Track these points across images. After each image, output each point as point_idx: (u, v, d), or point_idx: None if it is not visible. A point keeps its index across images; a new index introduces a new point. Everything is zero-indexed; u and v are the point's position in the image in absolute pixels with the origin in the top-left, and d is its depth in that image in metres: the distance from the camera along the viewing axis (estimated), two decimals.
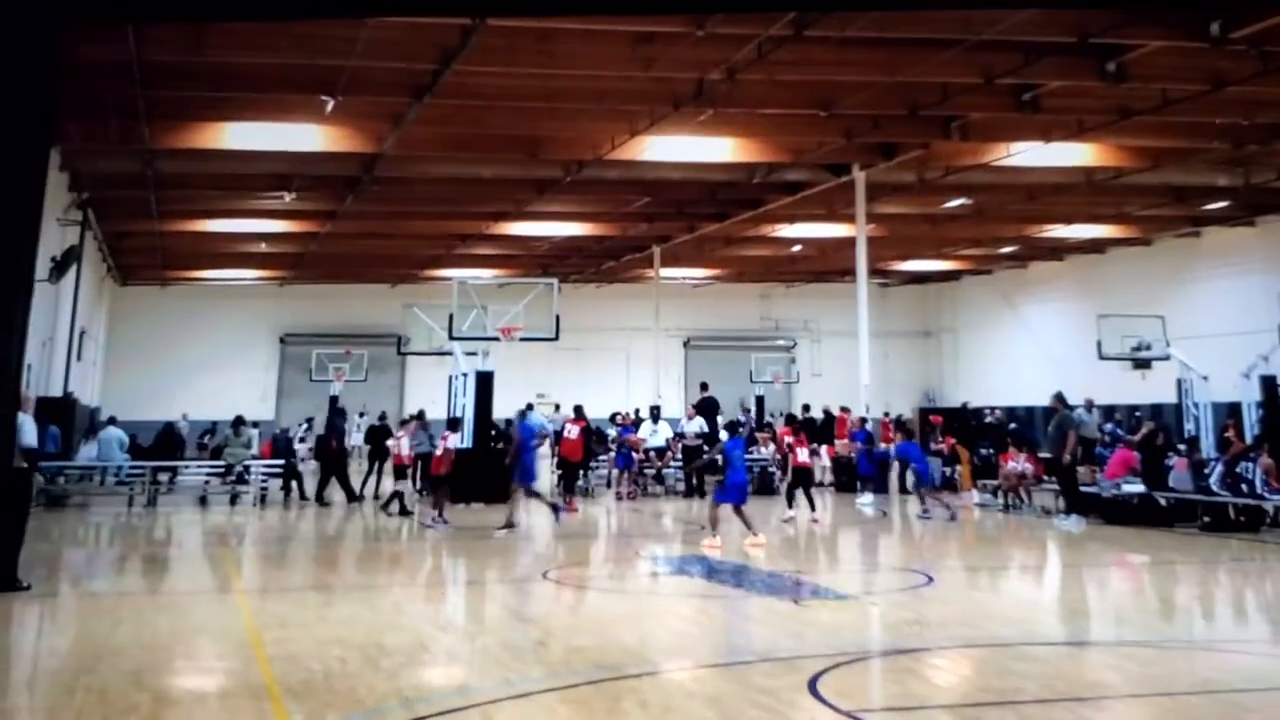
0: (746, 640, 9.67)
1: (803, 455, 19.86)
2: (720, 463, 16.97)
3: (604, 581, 13.92)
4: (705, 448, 23.19)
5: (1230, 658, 9.22)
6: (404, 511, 20.05)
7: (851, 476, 25.29)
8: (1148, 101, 19.43)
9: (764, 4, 14.51)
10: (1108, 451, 21.29)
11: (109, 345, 39.52)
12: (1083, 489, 19.36)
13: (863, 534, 19.44)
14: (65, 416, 24.48)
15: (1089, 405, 24.87)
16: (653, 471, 25.53)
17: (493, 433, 24.74)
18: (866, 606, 11.50)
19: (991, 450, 24.50)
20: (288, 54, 17.03)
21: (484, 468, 22.70)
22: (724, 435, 18.45)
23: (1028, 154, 23.05)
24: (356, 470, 25.25)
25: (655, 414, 27.21)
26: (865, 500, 23.08)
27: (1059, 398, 20.03)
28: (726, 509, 15.77)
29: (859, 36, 16.19)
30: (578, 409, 23.86)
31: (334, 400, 36.28)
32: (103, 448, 23.13)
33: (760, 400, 38.73)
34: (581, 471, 24.01)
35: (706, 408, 27.28)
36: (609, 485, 25.82)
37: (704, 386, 29.57)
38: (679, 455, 25.38)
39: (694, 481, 24.56)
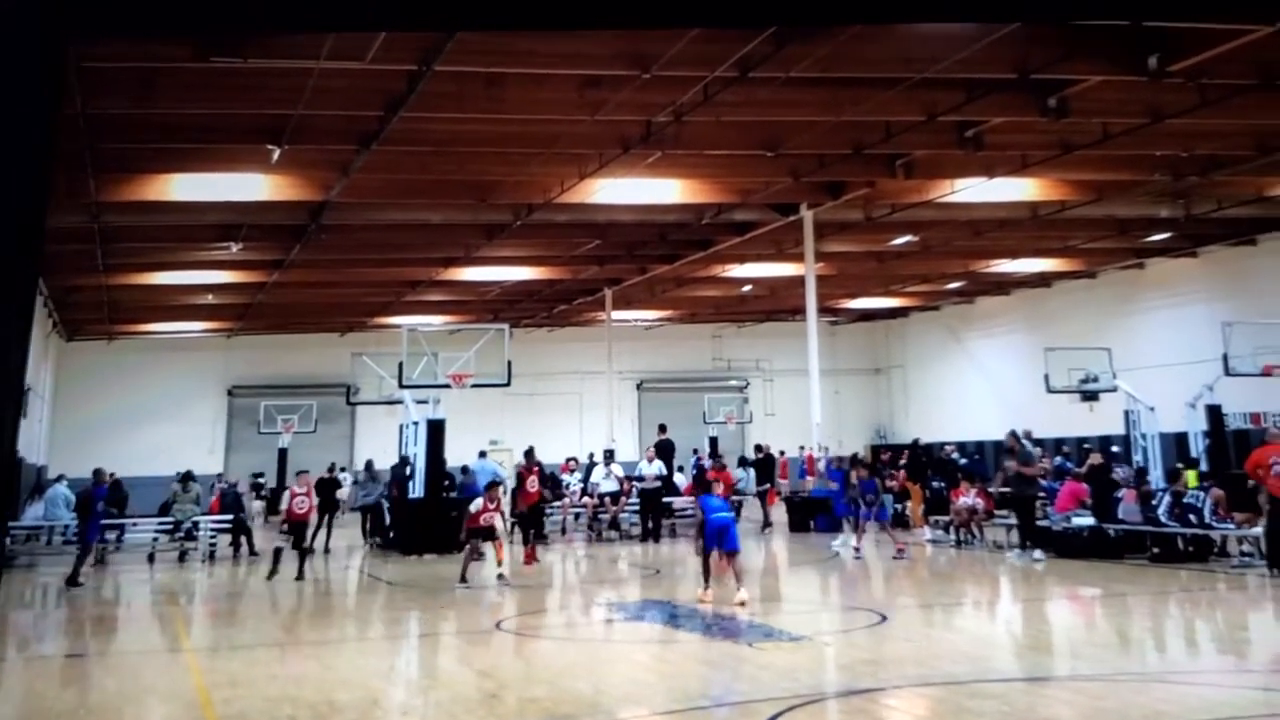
0: (702, 685, 9.63)
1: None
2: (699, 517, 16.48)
3: (558, 630, 13.85)
4: (664, 490, 23.05)
5: (1181, 689, 9.28)
6: (289, 567, 18.75)
7: (805, 516, 25.23)
8: (1089, 135, 19.65)
9: (751, 20, 14.48)
10: (1057, 485, 21.39)
11: (55, 401, 39.01)
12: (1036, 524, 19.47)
13: (816, 573, 19.42)
14: (10, 475, 24.07)
15: (1027, 435, 25.04)
16: (607, 516, 25.43)
17: (446, 482, 24.56)
18: (820, 647, 11.47)
19: (944, 485, 24.51)
20: (233, 104, 16.94)
21: (437, 518, 22.57)
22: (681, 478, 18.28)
23: (972, 190, 23.26)
24: None
25: (609, 457, 27.14)
26: (841, 541, 21.62)
27: (1015, 435, 20.17)
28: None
29: (803, 77, 16.27)
30: (529, 454, 23.67)
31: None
32: (49, 506, 22.81)
33: (714, 441, 38.77)
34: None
35: (664, 450, 27.25)
36: (563, 532, 25.69)
37: (662, 428, 29.59)
38: (633, 498, 25.30)
39: (649, 525, 24.50)
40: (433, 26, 11.23)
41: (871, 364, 47.95)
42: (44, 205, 3.86)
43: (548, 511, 24.78)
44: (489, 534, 17.28)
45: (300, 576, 18.32)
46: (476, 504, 17.57)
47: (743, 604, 13.95)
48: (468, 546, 17.51)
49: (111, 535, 22.86)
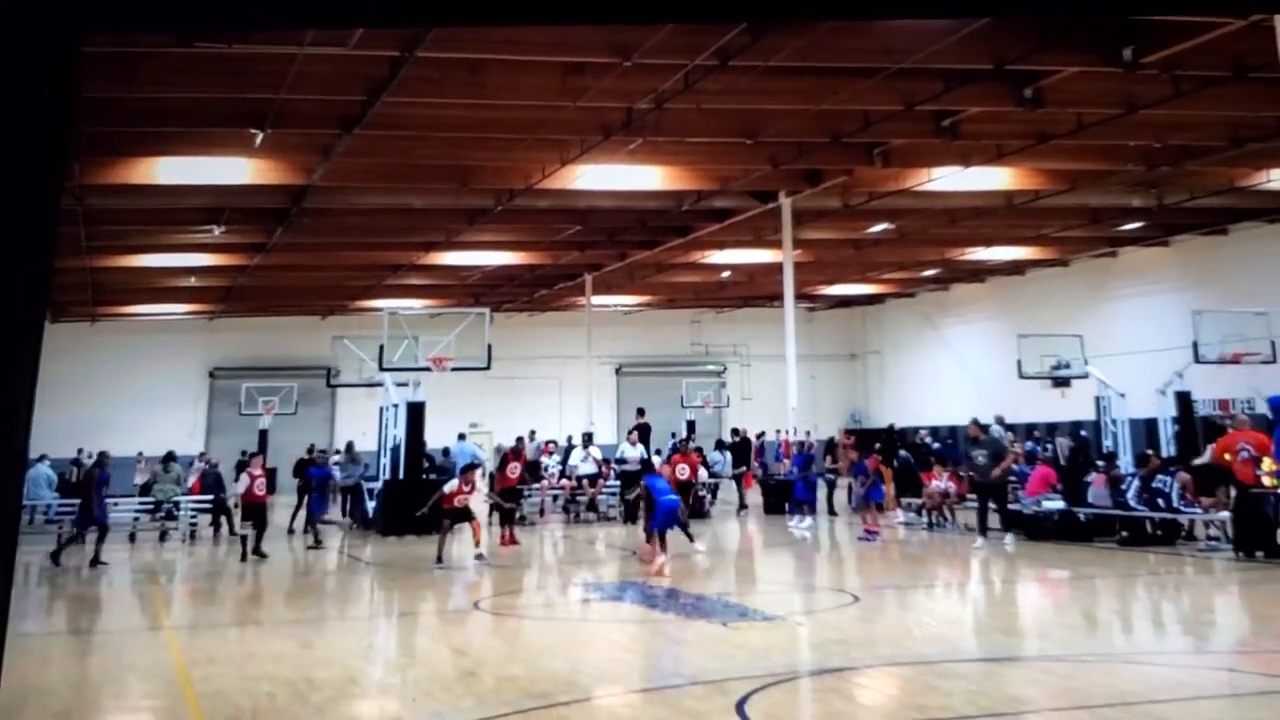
0: (676, 664, 9.83)
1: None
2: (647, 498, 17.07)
3: (536, 610, 14.02)
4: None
5: (1148, 670, 9.48)
6: (257, 552, 18.77)
7: (780, 499, 25.47)
8: (1064, 126, 19.85)
9: (728, 15, 14.62)
10: (1027, 469, 21.66)
11: (39, 382, 38.86)
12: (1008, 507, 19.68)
13: (790, 555, 19.64)
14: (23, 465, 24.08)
15: (1000, 421, 25.29)
16: (585, 499, 25.59)
17: (426, 464, 24.68)
18: (794, 627, 11.69)
19: (915, 466, 24.83)
20: (217, 88, 16.98)
21: (416, 499, 22.68)
22: (659, 460, 18.63)
23: (948, 179, 23.46)
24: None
25: (587, 440, 27.30)
26: (801, 524, 22.84)
27: (977, 424, 20.05)
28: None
29: (782, 66, 16.42)
30: (519, 442, 23.91)
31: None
32: (31, 486, 22.83)
33: (691, 425, 38.93)
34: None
35: (642, 433, 27.42)
36: (541, 513, 25.83)
37: (640, 412, 29.77)
38: (614, 480, 25.48)
39: (628, 507, 24.70)
40: (412, 22, 11.33)
41: (848, 349, 48.18)
42: (57, 205, 4.01)
43: (525, 493, 24.86)
44: (464, 515, 17.45)
45: (263, 555, 18.62)
46: (451, 485, 17.77)
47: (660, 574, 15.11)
48: (443, 525, 17.70)
49: None
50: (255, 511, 18.97)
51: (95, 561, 18.25)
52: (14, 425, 3.86)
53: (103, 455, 20.86)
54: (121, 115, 18.12)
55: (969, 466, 20.06)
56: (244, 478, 19.69)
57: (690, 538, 17.46)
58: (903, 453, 26.14)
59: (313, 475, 23.23)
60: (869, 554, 18.53)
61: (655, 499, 16.19)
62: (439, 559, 17.03)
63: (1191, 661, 10.01)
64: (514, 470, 22.31)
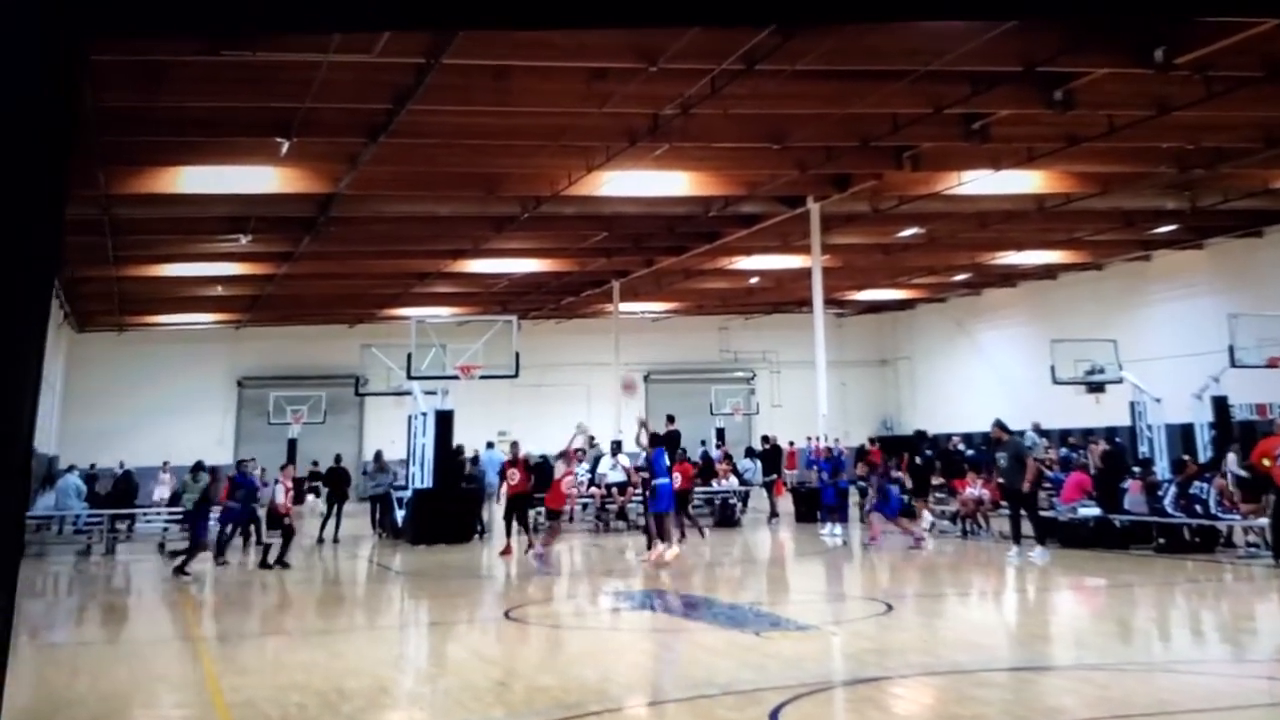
0: (708, 674, 9.69)
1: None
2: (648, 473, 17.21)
3: (566, 619, 13.91)
4: None
5: (1186, 679, 9.32)
6: (281, 563, 18.93)
7: (811, 507, 25.30)
8: (1095, 128, 19.66)
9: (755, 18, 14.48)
10: (1061, 475, 21.44)
11: (66, 392, 39.11)
12: (1040, 514, 19.42)
13: (822, 563, 19.49)
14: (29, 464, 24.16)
15: (1036, 428, 25.04)
16: (615, 507, 25.49)
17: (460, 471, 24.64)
18: (827, 636, 11.55)
19: (925, 469, 24.73)
20: (242, 97, 17.00)
21: (446, 508, 22.66)
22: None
23: (978, 182, 23.27)
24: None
25: (616, 448, 27.17)
26: (829, 530, 22.80)
27: (1001, 426, 19.08)
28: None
29: (809, 69, 16.30)
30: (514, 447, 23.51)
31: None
32: (60, 496, 22.93)
33: (721, 432, 38.79)
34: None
35: (673, 440, 27.16)
36: (570, 521, 25.69)
37: (670, 419, 29.51)
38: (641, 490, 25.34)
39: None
40: (435, 25, 11.27)
41: (878, 355, 47.93)
42: (62, 211, 3.92)
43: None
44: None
45: (287, 565, 18.75)
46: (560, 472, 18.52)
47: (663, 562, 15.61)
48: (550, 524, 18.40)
49: (123, 524, 23.00)
50: (282, 521, 19.01)
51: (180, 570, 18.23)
52: (18, 427, 3.78)
53: (213, 470, 21.00)
54: (147, 124, 18.17)
55: (996, 471, 19.80)
56: (278, 487, 19.66)
57: (700, 531, 17.53)
58: (917, 460, 26.09)
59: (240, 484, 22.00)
60: (902, 562, 18.37)
61: (655, 477, 16.29)
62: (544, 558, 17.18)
63: (1231, 670, 9.87)
64: (513, 477, 21.90)
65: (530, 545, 20.25)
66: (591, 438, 28.54)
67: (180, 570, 17.96)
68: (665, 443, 20.13)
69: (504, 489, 21.56)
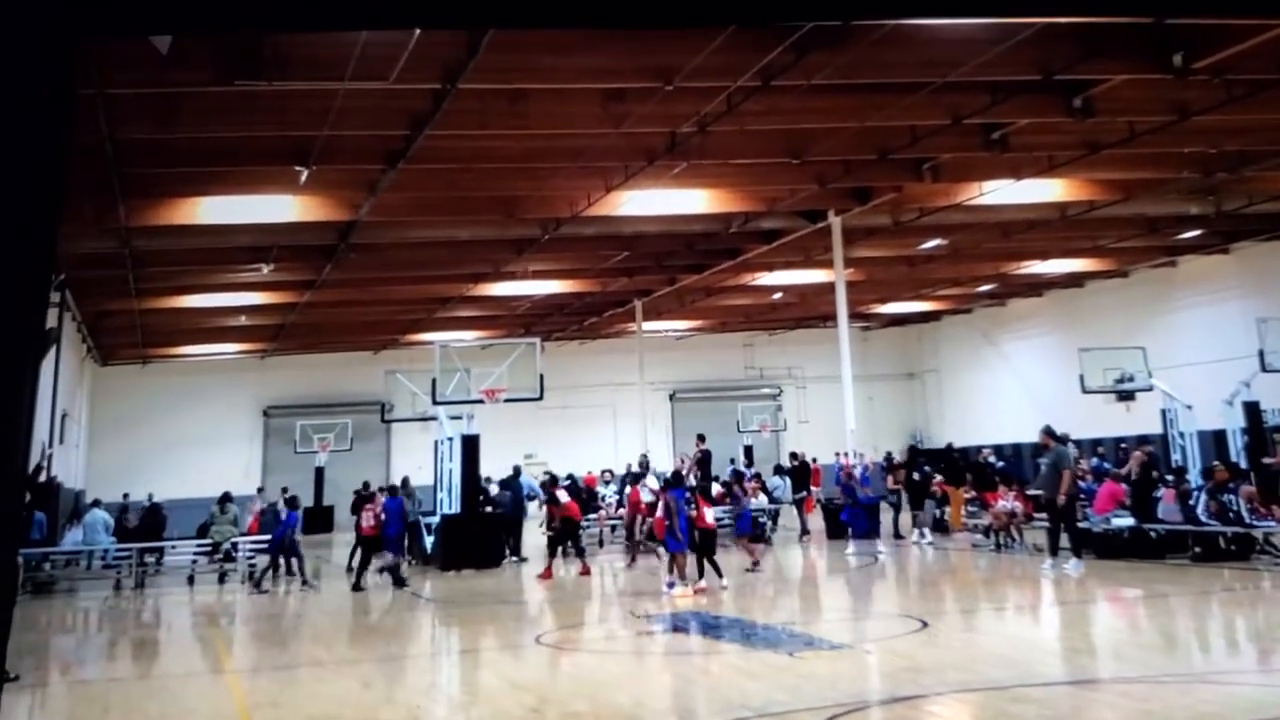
0: (742, 696, 9.58)
1: (708, 516, 17.78)
2: (670, 512, 17.10)
3: (598, 643, 13.82)
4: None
5: (1226, 689, 9.19)
6: (357, 587, 19.82)
7: (842, 524, 25.13)
8: (1116, 135, 19.53)
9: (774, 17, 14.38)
10: (1094, 486, 21.23)
11: (91, 426, 39.32)
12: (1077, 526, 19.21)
13: (855, 581, 19.33)
14: (49, 501, 24.28)
15: (1065, 440, 24.83)
16: (645, 528, 25.32)
17: (482, 497, 24.58)
18: (861, 655, 11.43)
19: (975, 490, 24.64)
20: (260, 126, 17.02)
21: (475, 532, 22.63)
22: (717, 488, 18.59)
23: (1000, 192, 23.13)
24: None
25: (645, 467, 26.88)
26: (851, 550, 22.71)
27: (1049, 432, 19.31)
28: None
29: (826, 84, 16.22)
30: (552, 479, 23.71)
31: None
32: (88, 531, 22.93)
33: (749, 450, 38.65)
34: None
35: (702, 460, 27.15)
36: (600, 545, 25.62)
37: (701, 438, 29.40)
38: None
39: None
40: (435, 25, 11.18)
41: (905, 368, 47.76)
42: (56, 222, 3.87)
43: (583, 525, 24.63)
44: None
45: (362, 588, 19.73)
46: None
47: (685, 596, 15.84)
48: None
49: (151, 558, 22.99)
50: (372, 544, 20.42)
51: (305, 583, 20.81)
52: (14, 437, 3.72)
53: (294, 499, 22.86)
54: (165, 156, 18.24)
55: (1036, 479, 19.68)
56: (366, 514, 20.59)
57: (719, 573, 17.20)
58: (915, 476, 26.07)
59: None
60: (936, 578, 18.20)
61: (679, 516, 16.24)
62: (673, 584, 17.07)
63: (1272, 680, 9.72)
64: (561, 498, 22.09)
65: (585, 569, 20.36)
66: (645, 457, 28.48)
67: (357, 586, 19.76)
68: (699, 464, 20.17)
69: (544, 511, 21.75)
